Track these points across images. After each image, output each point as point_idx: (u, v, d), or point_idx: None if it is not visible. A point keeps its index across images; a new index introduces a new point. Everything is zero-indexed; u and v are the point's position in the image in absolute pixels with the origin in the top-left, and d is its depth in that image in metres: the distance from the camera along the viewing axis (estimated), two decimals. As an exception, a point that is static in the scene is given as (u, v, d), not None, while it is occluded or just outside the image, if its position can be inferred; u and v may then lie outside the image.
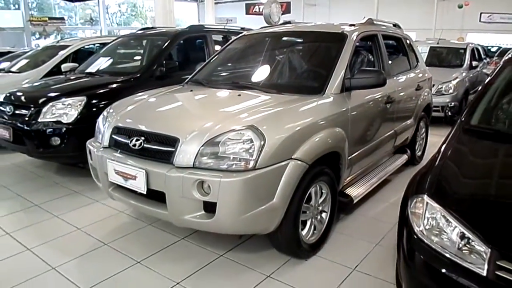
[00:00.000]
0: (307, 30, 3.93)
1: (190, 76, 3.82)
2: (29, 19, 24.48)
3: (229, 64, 3.96)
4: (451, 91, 7.11)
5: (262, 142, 2.33)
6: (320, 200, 2.90)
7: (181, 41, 5.15)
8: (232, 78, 3.68)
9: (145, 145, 2.58)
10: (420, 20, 24.13)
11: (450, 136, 2.46)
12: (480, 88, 2.83)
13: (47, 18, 25.05)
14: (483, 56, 9.89)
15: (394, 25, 4.72)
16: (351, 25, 3.71)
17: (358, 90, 3.17)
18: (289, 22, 4.29)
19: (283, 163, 2.43)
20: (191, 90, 3.33)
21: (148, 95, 3.30)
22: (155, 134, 2.58)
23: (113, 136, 2.84)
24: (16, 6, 26.03)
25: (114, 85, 4.42)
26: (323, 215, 2.99)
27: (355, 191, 3.48)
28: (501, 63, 3.04)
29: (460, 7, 22.82)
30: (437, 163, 2.19)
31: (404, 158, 4.51)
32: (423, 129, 5.13)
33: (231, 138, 2.35)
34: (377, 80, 3.07)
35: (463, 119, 2.64)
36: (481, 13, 22.32)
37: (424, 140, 5.22)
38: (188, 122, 2.62)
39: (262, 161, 2.32)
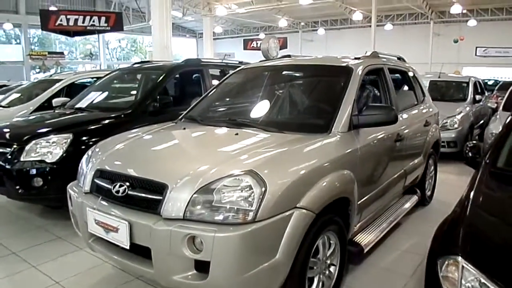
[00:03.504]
0: (309, 64, 3.71)
1: (185, 113, 3.55)
2: (28, 53, 24.71)
3: (226, 100, 3.71)
4: (456, 125, 6.89)
5: (263, 189, 2.03)
6: (329, 253, 2.57)
7: (177, 75, 4.95)
8: (229, 115, 3.41)
9: (129, 192, 2.27)
10: (416, 54, 24.34)
11: (477, 181, 2.17)
12: (502, 127, 2.56)
13: (46, 53, 25.26)
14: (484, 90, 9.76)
15: (398, 58, 4.53)
16: (355, 58, 3.49)
17: (366, 128, 2.91)
18: (288, 56, 4.08)
19: (287, 213, 2.12)
20: (184, 128, 3.04)
21: (136, 133, 3.02)
22: (141, 180, 2.28)
23: (95, 180, 2.54)
24: (18, 41, 26.36)
25: (104, 122, 4.15)
26: (332, 268, 2.65)
27: (365, 239, 3.15)
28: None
29: (456, 41, 23.15)
30: (467, 213, 1.88)
31: (414, 199, 4.20)
32: (432, 167, 4.84)
33: (227, 185, 2.05)
34: (388, 117, 2.81)
35: (487, 161, 2.36)
36: (476, 47, 22.58)
37: (433, 178, 4.93)
38: (179, 166, 2.32)
39: (263, 211, 2.01)
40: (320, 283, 2.51)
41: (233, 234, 1.92)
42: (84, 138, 3.93)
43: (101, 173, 2.53)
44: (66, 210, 4.20)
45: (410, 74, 4.46)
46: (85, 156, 2.88)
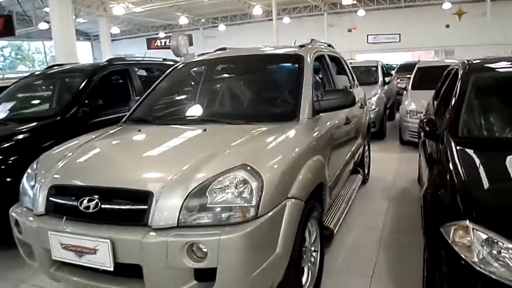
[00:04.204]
0: (262, 54, 3.61)
1: (128, 114, 3.26)
2: None
3: (176, 97, 3.48)
4: (373, 107, 7.36)
5: (260, 183, 1.92)
6: (312, 240, 2.55)
7: (102, 77, 4.51)
8: (186, 112, 3.19)
9: (103, 206, 1.99)
10: (314, 45, 25.58)
11: (449, 152, 2.29)
12: (455, 98, 2.76)
13: None
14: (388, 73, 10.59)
15: (328, 45, 4.67)
16: (300, 46, 3.50)
17: (323, 113, 2.94)
18: (224, 49, 3.96)
19: (281, 204, 2.04)
20: (139, 130, 2.77)
21: (86, 141, 2.67)
22: (116, 190, 2.01)
23: (51, 199, 2.19)
24: None
25: (28, 134, 3.63)
26: (314, 255, 2.63)
27: (332, 221, 3.21)
28: (462, 73, 3.02)
29: (349, 31, 24.86)
30: (456, 181, 1.98)
31: (360, 178, 4.40)
32: (366, 147, 5.11)
33: (221, 183, 1.90)
34: (347, 100, 2.87)
35: (447, 132, 2.52)
36: (367, 35, 24.52)
37: (368, 157, 5.21)
38: (159, 170, 2.11)
39: (263, 206, 1.90)
40: (310, 272, 2.49)
41: (239, 234, 1.79)
42: (3, 156, 3.39)
43: (57, 190, 2.19)
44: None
45: (342, 60, 4.63)
46: (26, 174, 2.49)
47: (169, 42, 21.02)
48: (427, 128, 2.72)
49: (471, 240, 1.65)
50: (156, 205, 1.88)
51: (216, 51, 3.94)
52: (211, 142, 2.38)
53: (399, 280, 2.79)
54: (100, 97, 4.44)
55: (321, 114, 2.91)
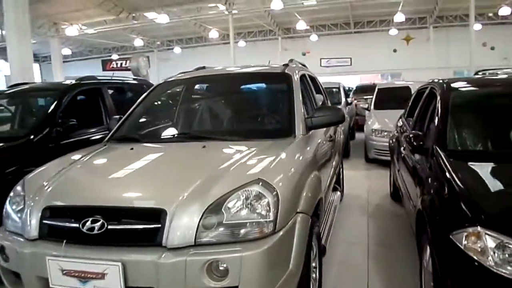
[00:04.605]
0: (252, 72, 3.63)
1: (111, 133, 3.13)
2: None
3: (164, 115, 3.41)
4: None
5: (275, 198, 1.91)
6: (314, 255, 2.54)
7: (73, 96, 4.34)
8: (179, 129, 3.12)
9: (110, 227, 1.88)
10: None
11: (440, 163, 2.40)
12: (439, 115, 2.90)
13: None
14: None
15: (303, 65, 4.78)
16: (284, 65, 3.56)
17: (314, 130, 2.99)
18: (203, 67, 3.95)
19: (293, 219, 2.04)
20: (132, 148, 2.67)
21: (75, 160, 2.53)
22: (125, 209, 1.91)
23: (45, 221, 2.04)
24: None
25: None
26: (314, 270, 2.62)
27: (322, 237, 3.22)
28: (441, 91, 3.19)
29: (304, 54, 25.67)
30: (457, 189, 2.07)
31: (339, 195, 4.47)
32: (340, 164, 5.23)
33: (237, 199, 1.87)
34: (338, 116, 2.94)
35: (436, 146, 2.64)
36: (321, 59, 25.44)
37: (342, 175, 5.32)
38: (168, 187, 2.03)
39: (280, 220, 1.89)
40: (314, 288, 2.47)
41: (260, 250, 1.75)
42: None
43: (52, 212, 2.05)
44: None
45: (317, 80, 4.76)
46: (9, 198, 2.31)
47: (126, 64, 20.67)
48: (415, 143, 2.84)
49: (483, 245, 1.73)
50: (170, 223, 1.81)
51: (195, 70, 3.93)
52: (214, 158, 2.34)
53: (395, 292, 2.84)
54: (72, 116, 4.26)
55: (312, 131, 2.96)
